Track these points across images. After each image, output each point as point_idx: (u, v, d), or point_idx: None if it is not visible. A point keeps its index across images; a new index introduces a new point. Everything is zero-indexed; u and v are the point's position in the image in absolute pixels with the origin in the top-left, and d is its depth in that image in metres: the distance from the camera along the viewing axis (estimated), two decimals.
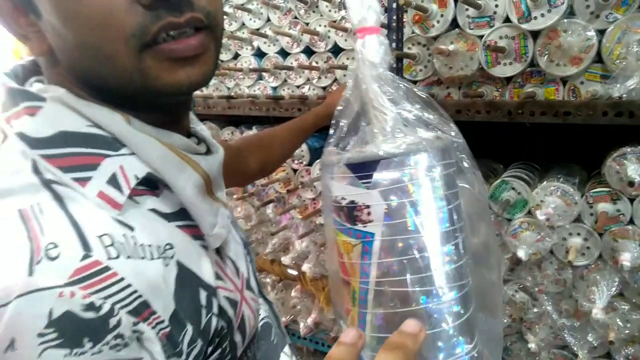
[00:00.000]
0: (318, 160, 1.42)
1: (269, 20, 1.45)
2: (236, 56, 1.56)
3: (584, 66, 1.02)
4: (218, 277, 0.52)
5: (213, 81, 1.63)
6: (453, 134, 0.40)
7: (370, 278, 0.36)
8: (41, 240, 0.38)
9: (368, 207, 0.36)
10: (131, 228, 0.43)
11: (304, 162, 1.47)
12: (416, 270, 0.36)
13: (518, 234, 1.12)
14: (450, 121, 0.40)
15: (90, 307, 0.37)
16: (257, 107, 1.49)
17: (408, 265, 0.36)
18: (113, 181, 0.44)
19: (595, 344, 1.09)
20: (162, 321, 0.42)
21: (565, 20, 1.01)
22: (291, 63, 1.42)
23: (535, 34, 1.05)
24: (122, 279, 0.39)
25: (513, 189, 1.14)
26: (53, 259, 0.37)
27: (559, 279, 1.12)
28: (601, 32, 1.00)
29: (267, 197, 1.56)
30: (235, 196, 1.59)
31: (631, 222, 1.03)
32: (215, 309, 0.49)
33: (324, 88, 1.40)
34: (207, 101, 1.59)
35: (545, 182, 1.09)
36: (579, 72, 1.03)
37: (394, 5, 1.11)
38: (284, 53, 1.46)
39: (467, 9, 1.11)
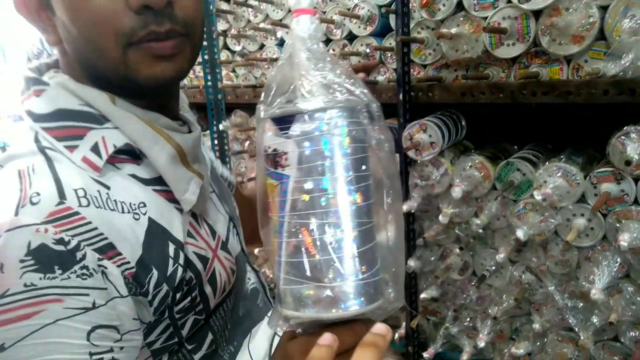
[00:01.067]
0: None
1: (290, 11, 1.52)
2: (262, 47, 1.65)
3: (586, 44, 1.01)
4: (190, 235, 0.61)
5: (241, 71, 1.74)
6: (365, 99, 0.45)
7: (284, 212, 0.43)
8: (28, 191, 0.49)
9: (286, 153, 0.43)
10: (107, 187, 0.54)
11: None
12: (319, 207, 0.42)
13: (522, 215, 1.13)
14: (365, 88, 0.46)
15: (60, 241, 0.47)
16: None
17: (314, 202, 0.42)
18: (95, 149, 0.55)
19: (598, 326, 1.07)
20: (128, 262, 0.52)
21: None
22: None
23: (537, 14, 1.05)
24: (89, 223, 0.50)
25: (518, 169, 1.15)
26: (34, 204, 0.48)
27: (563, 260, 1.11)
28: (604, 9, 0.98)
29: None
30: None
31: (636, 202, 1.01)
32: (181, 261, 0.58)
33: None
34: (236, 91, 1.70)
35: (547, 163, 1.09)
36: (581, 51, 1.02)
37: None
38: None
39: None
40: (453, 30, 1.14)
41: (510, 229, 1.17)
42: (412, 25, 1.23)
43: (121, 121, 0.56)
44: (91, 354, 0.47)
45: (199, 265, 0.61)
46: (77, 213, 0.49)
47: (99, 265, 0.49)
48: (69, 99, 0.56)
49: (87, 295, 0.47)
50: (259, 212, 0.47)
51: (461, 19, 1.16)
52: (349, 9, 1.37)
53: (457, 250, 1.29)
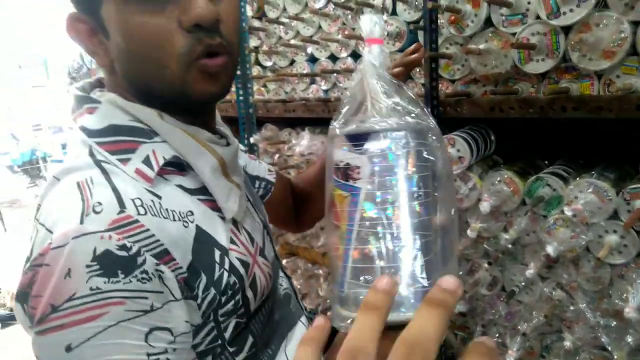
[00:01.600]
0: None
1: (320, 27, 1.56)
2: (292, 62, 1.70)
3: (618, 59, 1.00)
4: (232, 241, 0.65)
5: (272, 86, 1.78)
6: (431, 124, 0.50)
7: (354, 221, 0.46)
8: (90, 201, 0.52)
9: (358, 167, 0.47)
10: (159, 197, 0.58)
11: None
12: (388, 218, 0.45)
13: (553, 231, 1.12)
14: (429, 116, 0.50)
15: (123, 247, 0.51)
16: (309, 109, 1.60)
17: (383, 213, 0.45)
18: (147, 161, 0.59)
19: (633, 345, 1.05)
20: (180, 267, 0.56)
21: (596, 14, 1.00)
22: (340, 67, 1.52)
23: (567, 29, 1.05)
24: (147, 230, 0.53)
25: (548, 185, 1.14)
26: (97, 212, 0.51)
27: (595, 277, 1.09)
28: (636, 24, 0.98)
29: None
30: None
31: None
32: (227, 266, 0.62)
33: None
34: (267, 105, 1.74)
35: (578, 179, 1.08)
36: (612, 66, 1.01)
37: (428, 8, 1.17)
38: (334, 58, 1.56)
39: (500, 7, 1.13)
40: (481, 46, 1.16)
41: (541, 245, 1.16)
42: (440, 40, 1.25)
43: (169, 135, 0.60)
44: (148, 355, 0.50)
45: (242, 270, 0.64)
46: (136, 221, 0.52)
47: (157, 270, 0.52)
48: (119, 115, 0.60)
49: (147, 298, 0.51)
50: (326, 219, 0.50)
51: (490, 34, 1.17)
52: None
53: (486, 265, 1.28)
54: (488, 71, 1.19)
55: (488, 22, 1.17)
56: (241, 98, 1.76)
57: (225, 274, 0.61)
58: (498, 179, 1.19)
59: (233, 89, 1.80)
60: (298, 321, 0.81)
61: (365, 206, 0.46)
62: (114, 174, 0.56)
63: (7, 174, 6.46)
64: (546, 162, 1.33)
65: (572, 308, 1.15)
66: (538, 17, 1.08)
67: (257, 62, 1.82)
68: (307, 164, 1.69)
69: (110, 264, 0.49)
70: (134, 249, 0.51)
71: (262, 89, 1.83)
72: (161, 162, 0.59)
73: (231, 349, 0.64)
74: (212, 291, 0.59)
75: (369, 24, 0.52)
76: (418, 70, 1.35)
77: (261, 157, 1.87)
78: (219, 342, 0.62)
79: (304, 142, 1.62)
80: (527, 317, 1.22)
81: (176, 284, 0.54)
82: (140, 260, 0.51)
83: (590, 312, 1.11)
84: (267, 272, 0.70)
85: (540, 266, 1.16)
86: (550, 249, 1.07)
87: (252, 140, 1.77)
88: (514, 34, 1.12)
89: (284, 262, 1.76)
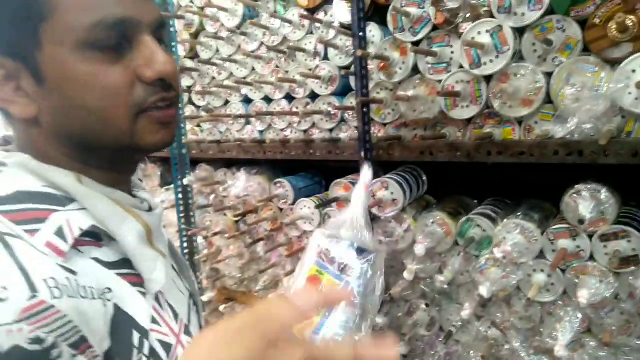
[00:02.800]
0: (301, 199, 1.49)
1: (254, 69, 1.55)
2: (226, 103, 1.67)
3: (536, 107, 1.06)
4: (154, 321, 0.59)
5: (207, 126, 1.74)
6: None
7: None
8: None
9: (352, 268, 0.65)
10: (74, 272, 0.50)
11: (289, 202, 1.54)
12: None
13: (484, 271, 1.14)
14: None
15: (36, 340, 0.43)
16: (245, 150, 1.58)
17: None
18: (59, 232, 0.51)
19: None
20: (97, 356, 0.49)
21: (514, 65, 1.06)
22: (274, 109, 1.51)
23: (488, 78, 1.10)
24: (65, 316, 0.46)
25: (478, 226, 1.17)
26: (3, 300, 0.43)
27: (527, 316, 1.12)
28: (549, 75, 1.04)
29: (257, 236, 1.63)
30: (227, 235, 1.66)
31: (592, 258, 1.04)
32: (146, 351, 0.55)
33: (304, 131, 1.48)
34: (200, 145, 1.70)
35: (505, 220, 1.12)
36: (531, 113, 1.07)
37: (358, 55, 1.19)
38: (268, 99, 1.55)
39: (426, 56, 1.17)
40: (410, 93, 1.19)
41: (475, 284, 1.18)
42: (371, 86, 1.27)
43: (90, 201, 0.55)
44: None
45: (162, 354, 0.58)
46: (52, 307, 0.45)
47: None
48: (30, 179, 0.53)
49: None
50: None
51: (417, 81, 1.21)
52: (310, 70, 1.40)
53: (424, 306, 1.29)
54: (417, 116, 1.22)
55: (415, 69, 1.21)
56: (175, 138, 1.70)
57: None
58: (431, 220, 1.21)
59: None
60: None
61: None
62: (20, 249, 0.48)
63: None
64: (476, 201, 1.37)
65: (507, 347, 1.17)
66: (461, 67, 1.12)
67: (191, 102, 1.78)
68: (244, 205, 1.65)
69: None
70: (49, 341, 0.44)
71: (196, 128, 1.79)
72: (77, 233, 0.52)
73: None
74: None
75: (368, 174, 0.78)
76: (351, 113, 1.36)
77: (195, 198, 1.81)
78: None
79: (239, 183, 1.58)
80: (465, 357, 1.23)
81: None
82: (55, 353, 0.44)
83: (524, 350, 1.13)
84: None
85: (475, 306, 1.18)
86: (482, 290, 1.09)
87: (185, 181, 1.71)
88: (439, 81, 1.16)
89: (221, 308, 1.69)
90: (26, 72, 0.53)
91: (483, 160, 1.12)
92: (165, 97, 0.57)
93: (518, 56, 1.07)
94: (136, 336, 0.54)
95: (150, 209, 0.64)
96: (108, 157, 0.58)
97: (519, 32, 1.05)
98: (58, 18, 0.51)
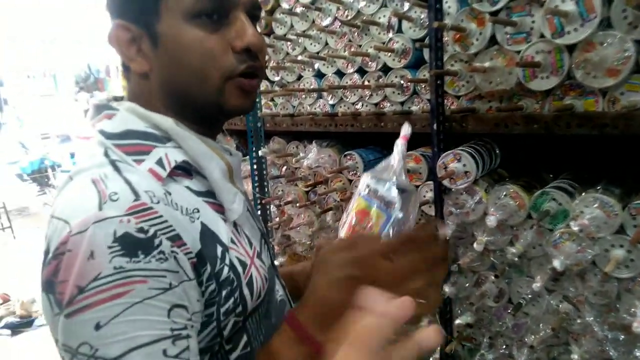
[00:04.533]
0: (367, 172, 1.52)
1: (327, 44, 1.59)
2: (299, 78, 1.72)
3: (623, 77, 1.02)
4: (232, 241, 0.69)
5: (280, 100, 1.81)
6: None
7: (385, 229, 0.76)
8: (106, 192, 0.55)
9: (395, 203, 0.76)
10: (169, 193, 0.62)
11: (358, 173, 1.58)
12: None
13: (559, 245, 1.13)
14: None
15: (141, 230, 0.54)
16: (316, 123, 1.63)
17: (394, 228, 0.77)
18: (159, 162, 0.63)
19: None
20: (191, 252, 0.59)
21: (600, 33, 1.02)
22: (346, 82, 1.55)
23: (571, 47, 1.07)
24: (161, 216, 0.57)
25: (554, 199, 1.16)
26: (114, 200, 0.55)
27: (602, 291, 1.11)
28: (639, 43, 1.00)
29: (327, 205, 1.69)
30: (297, 204, 1.74)
31: None
32: (227, 262, 0.65)
33: (375, 104, 1.51)
34: (275, 119, 1.77)
35: (584, 194, 1.10)
36: (617, 84, 1.03)
37: (434, 27, 1.19)
38: (341, 73, 1.59)
39: (505, 26, 1.16)
40: (486, 64, 1.18)
41: (547, 258, 1.18)
42: (445, 57, 1.27)
43: (184, 140, 0.65)
44: (172, 330, 0.53)
45: (240, 269, 0.67)
46: (151, 208, 0.56)
47: (172, 252, 0.55)
48: (136, 121, 0.66)
49: (165, 277, 0.54)
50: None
51: (494, 52, 1.19)
52: (383, 43, 1.42)
53: (492, 278, 1.30)
54: (493, 88, 1.21)
55: (492, 40, 1.19)
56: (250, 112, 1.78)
57: (226, 269, 0.63)
58: (504, 193, 1.21)
59: None
60: None
61: (392, 223, 0.76)
62: (127, 171, 0.60)
63: (17, 183, 6.52)
64: (551, 175, 1.34)
65: (579, 321, 1.16)
66: (542, 36, 1.10)
67: (265, 77, 1.85)
68: (315, 176, 1.71)
69: (130, 244, 0.52)
70: (151, 232, 0.54)
71: (270, 102, 1.86)
72: (172, 164, 0.63)
73: (227, 347, 0.66)
74: (214, 283, 0.61)
75: (408, 129, 0.89)
76: (424, 85, 1.37)
77: (269, 169, 1.90)
78: (218, 339, 0.64)
79: (311, 155, 1.65)
80: (534, 330, 1.24)
81: (189, 265, 0.57)
82: (157, 241, 0.54)
83: (598, 325, 1.12)
84: (263, 275, 0.73)
85: (547, 279, 1.17)
86: (557, 263, 1.08)
87: (260, 152, 1.80)
88: (518, 52, 1.15)
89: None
90: (146, 36, 0.65)
91: (562, 132, 1.10)
92: (252, 66, 0.66)
93: (605, 23, 1.03)
94: (219, 249, 0.64)
95: (230, 154, 0.75)
96: (198, 112, 0.68)
97: None
98: None
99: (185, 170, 0.66)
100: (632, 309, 1.03)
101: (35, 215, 6.42)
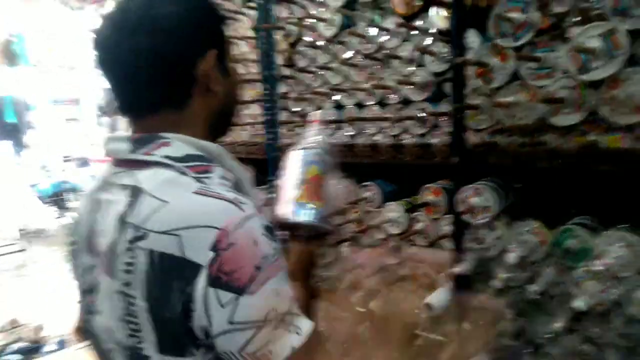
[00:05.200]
0: (389, 203, 1.52)
1: (347, 77, 1.62)
2: (319, 109, 1.75)
3: None
4: None
5: (300, 131, 1.83)
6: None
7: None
8: (229, 197, 0.64)
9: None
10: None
11: (376, 204, 1.57)
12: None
13: (581, 283, 1.10)
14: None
15: (266, 221, 0.66)
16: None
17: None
18: (223, 178, 0.71)
19: None
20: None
21: (627, 69, 1.02)
22: (366, 114, 1.57)
23: (595, 83, 1.07)
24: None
25: (576, 236, 1.13)
26: (244, 204, 0.64)
27: (627, 333, 1.07)
28: None
29: (343, 236, 1.67)
30: None
31: None
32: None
33: (394, 136, 1.51)
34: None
35: (608, 231, 1.08)
36: None
37: (456, 62, 1.21)
38: (361, 106, 1.61)
39: (528, 62, 1.17)
40: (510, 99, 1.18)
41: (569, 296, 1.14)
42: (467, 91, 1.28)
43: (226, 159, 0.75)
44: (290, 294, 0.67)
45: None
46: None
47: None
48: (188, 147, 0.71)
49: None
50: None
51: (517, 87, 1.20)
52: (405, 76, 1.44)
53: (509, 316, 1.26)
54: (515, 122, 1.21)
55: (514, 74, 1.20)
56: (270, 142, 1.81)
57: None
58: (526, 228, 1.19)
59: (262, 132, 1.86)
60: None
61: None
62: (214, 184, 0.69)
63: (37, 205, 6.63)
64: (574, 211, 1.32)
65: None
66: (565, 72, 1.10)
67: (286, 108, 1.88)
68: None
69: (270, 231, 0.65)
70: (269, 223, 0.67)
71: (290, 132, 1.88)
72: (232, 179, 0.73)
73: None
74: None
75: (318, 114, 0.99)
76: (445, 119, 1.38)
77: None
78: None
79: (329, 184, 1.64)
80: None
81: None
82: (273, 228, 0.68)
83: None
84: None
85: (568, 319, 1.14)
86: (579, 302, 1.05)
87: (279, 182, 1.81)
88: (541, 87, 1.15)
89: None
90: (221, 65, 0.75)
91: (585, 168, 1.09)
92: None
93: (630, 60, 1.03)
94: None
95: None
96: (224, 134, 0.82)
97: (634, 34, 1.01)
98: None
99: (237, 186, 0.76)
100: None
101: (52, 238, 6.48)
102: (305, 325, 0.65)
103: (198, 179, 0.67)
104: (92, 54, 0.73)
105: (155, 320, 0.63)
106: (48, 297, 3.90)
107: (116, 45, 0.69)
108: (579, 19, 1.05)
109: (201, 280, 0.59)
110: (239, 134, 2.19)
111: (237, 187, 0.72)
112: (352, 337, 1.68)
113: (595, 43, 1.03)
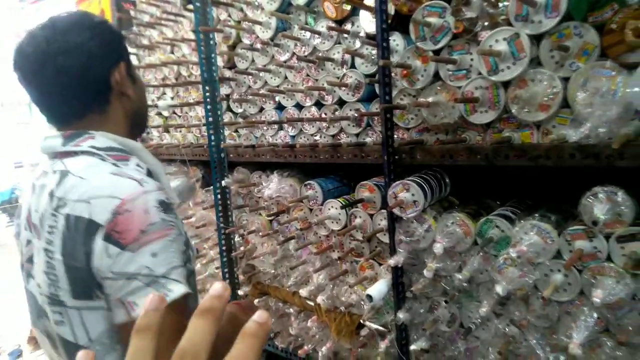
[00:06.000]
0: (328, 200, 1.57)
1: (286, 78, 1.65)
2: (261, 110, 1.78)
3: (553, 112, 1.09)
4: None
5: (243, 131, 1.85)
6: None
7: None
8: (135, 176, 0.80)
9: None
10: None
11: (318, 202, 1.62)
12: None
13: (502, 270, 1.18)
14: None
15: (167, 198, 0.80)
16: (277, 154, 1.67)
17: None
18: (138, 166, 0.87)
19: None
20: (182, 225, 0.84)
21: (532, 70, 1.10)
22: (305, 115, 1.60)
23: (506, 84, 1.14)
24: (163, 190, 0.83)
25: (497, 226, 1.21)
26: (147, 182, 0.80)
27: (544, 314, 1.15)
28: (567, 80, 1.07)
29: (289, 234, 1.72)
30: (261, 233, 1.76)
31: (609, 259, 1.07)
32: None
33: (333, 136, 1.56)
34: (237, 149, 1.81)
35: (523, 221, 1.16)
36: (548, 117, 1.10)
37: (380, 65, 1.26)
38: (300, 106, 1.64)
39: (446, 64, 1.23)
40: (430, 99, 1.24)
41: (493, 283, 1.22)
42: (395, 92, 1.34)
43: (143, 153, 0.92)
44: (183, 261, 0.78)
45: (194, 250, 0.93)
46: (162, 187, 0.83)
47: (175, 215, 0.81)
48: (110, 141, 0.88)
49: (179, 227, 0.80)
50: None
51: (438, 88, 1.26)
52: (338, 78, 1.48)
53: (444, 303, 1.34)
54: (438, 121, 1.27)
55: (437, 75, 1.27)
56: (213, 143, 1.82)
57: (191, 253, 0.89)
58: (451, 221, 1.26)
59: (206, 134, 1.87)
60: None
61: None
62: (127, 168, 0.84)
63: None
64: (498, 202, 1.40)
65: (524, 344, 1.20)
66: (480, 73, 1.17)
67: (229, 109, 1.90)
68: (277, 205, 1.74)
69: (165, 205, 0.78)
70: (168, 200, 0.80)
71: (234, 133, 1.90)
72: (145, 168, 0.89)
73: None
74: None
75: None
76: (376, 119, 1.43)
77: (234, 199, 1.93)
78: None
79: (272, 185, 1.68)
80: (484, 353, 1.27)
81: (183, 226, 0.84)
82: (172, 206, 0.81)
83: (541, 347, 1.16)
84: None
85: (494, 304, 1.22)
86: (499, 288, 1.13)
87: (224, 183, 1.83)
88: (460, 87, 1.22)
89: (255, 301, 1.80)
90: (128, 73, 0.92)
91: (501, 163, 1.17)
92: None
93: (536, 62, 1.11)
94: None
95: None
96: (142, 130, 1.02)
97: (537, 39, 1.09)
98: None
99: (149, 173, 0.90)
100: (570, 332, 1.08)
101: (3, 247, 6.25)
102: (177, 291, 0.74)
103: (115, 164, 0.83)
104: (15, 73, 0.86)
105: (68, 270, 0.76)
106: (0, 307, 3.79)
107: (41, 66, 0.82)
108: (487, 24, 1.11)
109: (99, 236, 0.73)
110: (185, 136, 2.19)
111: (150, 174, 0.86)
112: (299, 330, 1.73)
113: (502, 46, 1.10)
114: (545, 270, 1.14)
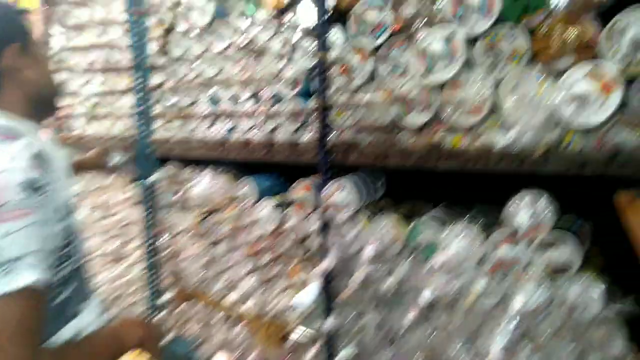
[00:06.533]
0: (262, 200, 1.50)
1: (223, 68, 1.57)
2: (194, 102, 1.68)
3: (483, 115, 1.08)
4: None
5: (177, 124, 1.75)
6: None
7: None
8: (4, 156, 0.75)
9: None
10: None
11: (253, 200, 1.54)
12: None
13: (430, 276, 1.16)
14: None
15: (31, 179, 0.75)
16: (209, 149, 1.59)
17: None
18: (26, 147, 0.79)
19: None
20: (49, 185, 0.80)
21: (465, 73, 1.08)
22: (240, 109, 1.53)
23: (442, 85, 1.12)
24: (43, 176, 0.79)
25: (426, 231, 1.19)
26: (15, 161, 0.75)
27: (468, 320, 1.14)
28: (497, 85, 1.06)
29: (220, 235, 1.63)
30: (190, 233, 1.67)
31: (529, 265, 1.06)
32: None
33: (270, 131, 1.49)
34: (166, 144, 1.71)
35: (451, 225, 1.14)
36: (478, 121, 1.09)
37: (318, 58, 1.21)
38: (236, 99, 1.56)
39: (382, 62, 1.19)
40: (365, 98, 1.20)
41: (421, 288, 1.20)
42: (333, 89, 1.29)
43: (37, 137, 0.88)
44: (49, 247, 0.77)
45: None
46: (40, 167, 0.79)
47: (45, 198, 0.77)
48: (5, 120, 0.84)
49: (44, 212, 0.76)
50: None
51: (375, 86, 1.23)
52: (276, 71, 1.42)
53: (373, 309, 1.30)
54: (373, 121, 1.23)
55: (373, 75, 1.23)
56: (143, 135, 1.71)
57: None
58: (382, 223, 1.23)
59: (135, 124, 1.75)
60: None
61: None
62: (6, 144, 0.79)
63: None
64: (432, 203, 1.38)
65: (450, 348, 1.18)
66: (416, 73, 1.14)
67: (161, 99, 1.79)
68: (210, 204, 1.65)
69: (29, 187, 0.74)
70: (39, 183, 0.76)
71: (167, 124, 1.79)
72: (37, 148, 0.80)
73: None
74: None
75: None
76: (314, 115, 1.38)
77: (162, 196, 1.82)
78: None
79: (203, 181, 1.59)
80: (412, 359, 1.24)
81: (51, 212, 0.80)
82: (40, 190, 0.76)
83: (466, 352, 1.15)
84: None
85: (421, 310, 1.19)
86: (425, 294, 1.10)
87: (152, 178, 1.72)
88: (396, 87, 1.18)
89: (181, 306, 1.70)
90: (31, 54, 0.88)
91: (432, 167, 1.14)
92: None
93: (470, 64, 1.10)
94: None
95: None
96: (48, 108, 0.96)
97: (472, 40, 1.08)
98: None
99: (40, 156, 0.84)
100: (491, 337, 1.07)
101: None
102: (23, 279, 0.70)
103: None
104: None
105: None
106: None
107: None
108: (424, 21, 1.09)
109: None
110: (110, 127, 2.04)
111: (38, 157, 0.80)
112: (226, 338, 1.65)
113: (437, 46, 1.07)
114: (469, 276, 1.13)
